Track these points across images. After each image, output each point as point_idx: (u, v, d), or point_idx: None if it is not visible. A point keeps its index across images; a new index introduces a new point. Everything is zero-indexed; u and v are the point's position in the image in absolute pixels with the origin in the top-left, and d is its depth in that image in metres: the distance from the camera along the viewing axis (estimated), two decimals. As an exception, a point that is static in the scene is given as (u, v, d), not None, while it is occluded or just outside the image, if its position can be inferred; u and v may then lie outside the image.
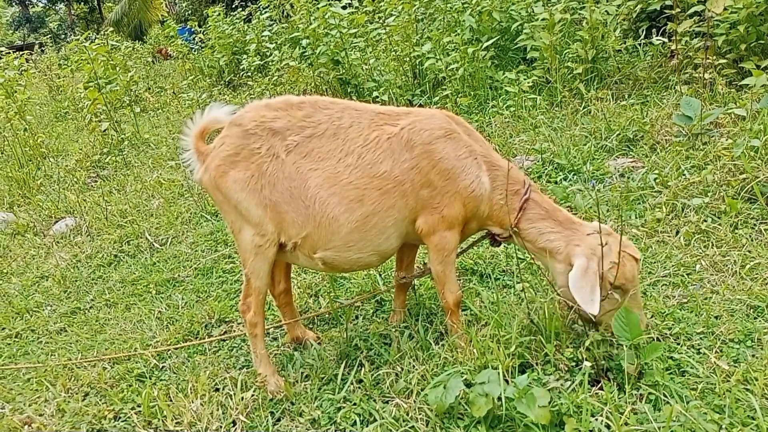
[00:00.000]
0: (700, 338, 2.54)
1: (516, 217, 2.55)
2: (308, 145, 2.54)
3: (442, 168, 2.49)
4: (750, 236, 3.18)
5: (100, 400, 2.87)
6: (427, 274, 2.97)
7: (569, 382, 2.30)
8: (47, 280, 4.50)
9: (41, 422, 2.72)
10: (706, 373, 2.30)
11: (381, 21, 7.67)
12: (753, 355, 2.37)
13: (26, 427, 2.72)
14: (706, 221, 3.36)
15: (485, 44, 6.30)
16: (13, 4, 37.17)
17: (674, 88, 5.22)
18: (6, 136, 8.18)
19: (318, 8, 7.45)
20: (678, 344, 2.51)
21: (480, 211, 2.58)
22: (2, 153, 8.40)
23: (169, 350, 3.16)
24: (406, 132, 2.52)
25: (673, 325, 2.64)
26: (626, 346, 2.25)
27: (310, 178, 2.51)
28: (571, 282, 2.32)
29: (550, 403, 2.11)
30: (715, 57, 4.98)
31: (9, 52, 9.60)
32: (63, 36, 32.28)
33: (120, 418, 2.73)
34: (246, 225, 2.58)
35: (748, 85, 4.38)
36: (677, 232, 3.37)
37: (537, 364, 2.44)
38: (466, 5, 6.89)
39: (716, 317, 2.65)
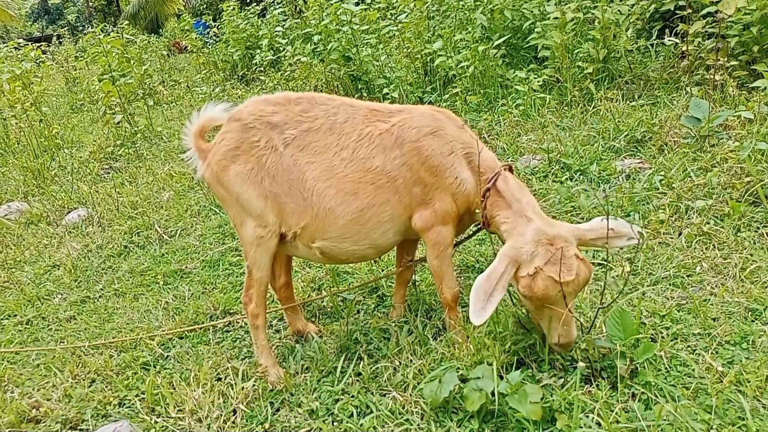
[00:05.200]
0: (696, 339, 2.55)
1: (482, 206, 2.54)
2: (305, 138, 2.61)
3: (430, 165, 2.53)
4: (752, 239, 3.18)
5: (106, 386, 2.94)
6: None
7: (562, 380, 2.33)
8: (59, 269, 4.59)
9: (48, 407, 2.79)
10: (700, 374, 2.32)
11: (393, 18, 7.68)
12: (747, 357, 2.38)
13: (34, 410, 2.80)
14: (708, 223, 3.36)
15: (496, 42, 6.28)
16: (33, -5, 37.58)
17: (685, 89, 5.19)
18: (22, 126, 8.30)
19: (330, 4, 7.48)
20: (674, 344, 2.53)
21: (471, 204, 2.60)
22: (18, 144, 8.52)
23: (171, 338, 3.22)
24: (396, 129, 2.57)
25: (670, 325, 2.66)
26: (619, 345, 2.27)
27: (307, 171, 2.58)
28: (474, 285, 2.22)
29: (542, 399, 2.14)
30: (726, 58, 4.95)
31: (27, 44, 9.72)
32: (81, 28, 32.53)
33: (124, 404, 2.80)
34: (248, 217, 2.65)
35: (759, 87, 4.36)
36: (680, 234, 3.37)
37: (532, 361, 2.47)
38: (478, 3, 6.88)
39: (714, 319, 2.67)
